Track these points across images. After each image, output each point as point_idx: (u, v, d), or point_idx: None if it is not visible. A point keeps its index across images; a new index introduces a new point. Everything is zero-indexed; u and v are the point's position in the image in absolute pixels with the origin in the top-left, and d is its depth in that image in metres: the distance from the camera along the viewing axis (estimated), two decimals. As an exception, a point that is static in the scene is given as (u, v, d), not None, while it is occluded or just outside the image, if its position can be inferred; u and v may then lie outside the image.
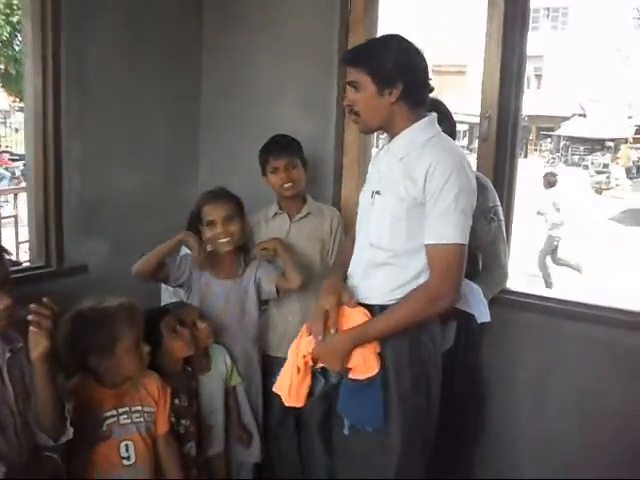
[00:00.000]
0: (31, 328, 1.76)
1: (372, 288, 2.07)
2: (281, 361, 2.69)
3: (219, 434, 2.64)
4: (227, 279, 2.69)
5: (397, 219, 1.98)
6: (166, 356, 2.42)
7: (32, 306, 1.77)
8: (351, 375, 2.05)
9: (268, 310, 2.88)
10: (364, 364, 2.02)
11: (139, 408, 2.23)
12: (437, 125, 2.06)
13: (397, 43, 2.00)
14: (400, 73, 1.95)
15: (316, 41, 3.14)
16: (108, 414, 2.14)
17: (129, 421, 2.19)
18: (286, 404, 2.14)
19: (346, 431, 2.12)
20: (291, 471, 2.99)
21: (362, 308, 2.07)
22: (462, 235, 1.92)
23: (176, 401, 2.38)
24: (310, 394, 2.13)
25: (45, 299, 1.80)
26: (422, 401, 2.07)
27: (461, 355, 2.61)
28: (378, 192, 2.06)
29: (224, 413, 2.66)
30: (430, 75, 2.05)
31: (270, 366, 2.80)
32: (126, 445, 2.16)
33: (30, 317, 1.76)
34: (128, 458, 2.16)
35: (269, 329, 2.87)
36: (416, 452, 2.08)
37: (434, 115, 2.07)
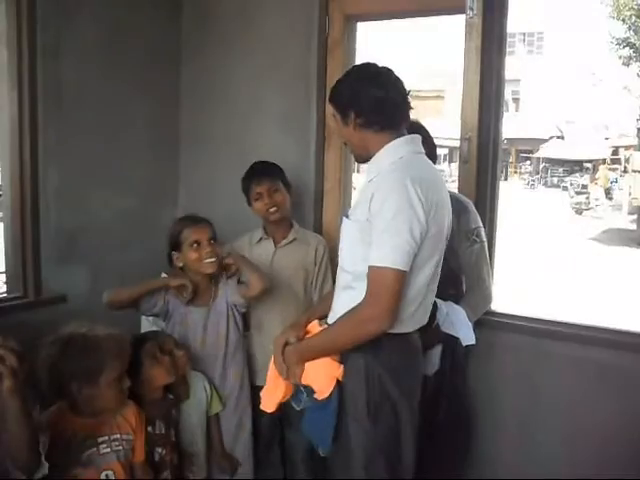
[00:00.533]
0: None
1: (336, 310, 2.07)
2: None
3: (201, 462, 2.59)
4: (203, 306, 2.66)
5: (354, 241, 2.00)
6: (146, 384, 2.38)
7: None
8: (315, 395, 2.08)
9: (250, 338, 2.84)
10: (318, 385, 2.06)
11: (118, 436, 2.19)
12: (413, 145, 2.05)
13: (352, 72, 2.12)
14: (350, 102, 2.02)
15: (295, 64, 3.15)
16: (87, 444, 2.10)
17: (109, 450, 2.15)
18: (261, 407, 2.29)
19: (321, 452, 2.15)
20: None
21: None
22: (395, 259, 1.85)
23: (149, 429, 2.34)
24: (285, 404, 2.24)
25: None
26: (385, 428, 2.01)
27: (447, 379, 2.58)
28: (347, 216, 2.09)
29: (206, 441, 2.62)
30: (400, 97, 2.04)
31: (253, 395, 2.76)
32: (107, 475, 2.13)
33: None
34: None
35: (250, 358, 2.82)
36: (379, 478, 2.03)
37: (411, 136, 2.06)
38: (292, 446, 2.86)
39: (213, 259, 2.59)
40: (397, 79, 2.05)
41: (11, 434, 1.81)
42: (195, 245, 2.58)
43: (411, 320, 2.02)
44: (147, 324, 2.89)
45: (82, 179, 3.06)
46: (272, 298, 2.77)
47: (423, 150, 2.08)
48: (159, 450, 2.38)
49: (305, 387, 2.13)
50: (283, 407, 2.29)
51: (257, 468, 2.83)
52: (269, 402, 2.25)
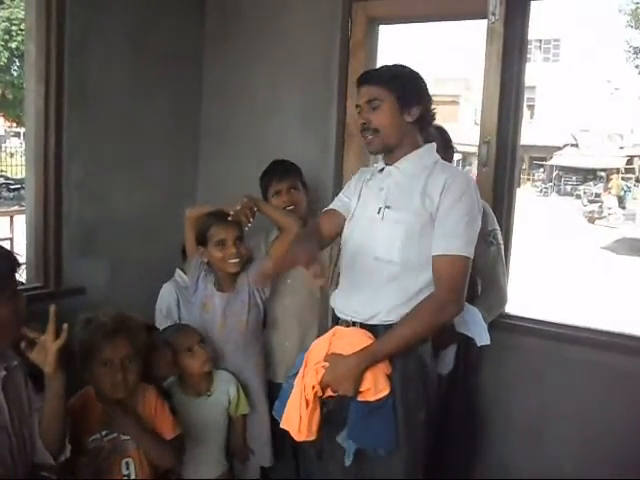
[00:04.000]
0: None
1: (379, 306, 2.07)
2: (279, 387, 2.70)
3: (215, 461, 2.61)
4: (225, 292, 2.69)
5: (411, 233, 2.04)
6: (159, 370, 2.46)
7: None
8: (360, 398, 2.02)
9: (267, 336, 2.86)
10: (375, 386, 2.00)
11: None
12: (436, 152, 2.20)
13: (410, 70, 2.19)
14: (419, 97, 2.12)
15: (317, 64, 3.18)
16: (110, 431, 2.14)
17: (129, 437, 2.18)
18: (297, 439, 2.07)
19: (348, 462, 2.08)
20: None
21: (362, 330, 2.07)
22: (468, 249, 2.01)
23: None
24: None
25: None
26: (422, 420, 2.07)
27: (460, 379, 2.60)
28: (388, 207, 2.09)
29: (223, 441, 2.64)
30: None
31: (269, 391, 2.78)
32: (127, 462, 2.17)
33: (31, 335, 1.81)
34: (129, 475, 2.17)
35: (267, 355, 2.84)
36: (418, 472, 2.09)
37: (434, 144, 2.20)
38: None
39: (237, 260, 2.60)
40: None
41: (48, 416, 1.87)
42: (220, 245, 2.60)
43: None
44: (161, 317, 2.92)
45: (104, 173, 3.11)
46: (288, 297, 2.81)
47: None
48: None
49: (327, 400, 2.08)
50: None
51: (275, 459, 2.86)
52: (308, 430, 2.04)
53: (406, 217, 2.05)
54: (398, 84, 2.10)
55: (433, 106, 2.17)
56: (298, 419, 2.04)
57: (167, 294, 2.94)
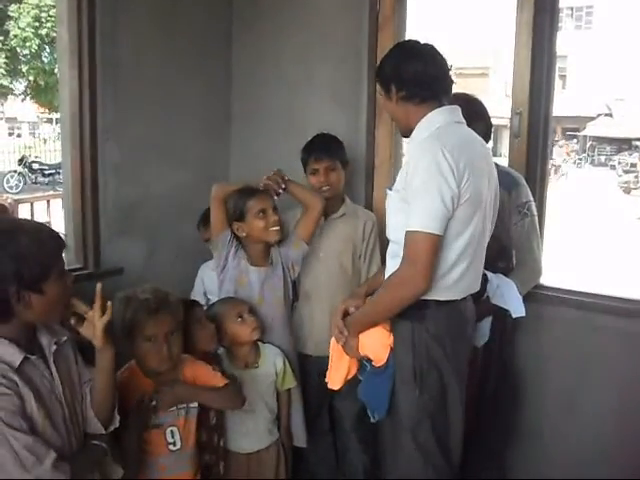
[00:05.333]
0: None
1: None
2: (310, 359, 2.80)
3: (267, 432, 2.66)
4: (261, 267, 2.71)
5: (396, 211, 2.07)
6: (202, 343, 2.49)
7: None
8: (372, 363, 2.18)
9: (298, 309, 2.90)
10: (374, 354, 2.14)
11: None
12: (450, 115, 2.08)
13: (394, 49, 2.18)
14: (391, 76, 2.10)
15: (346, 40, 3.17)
16: (155, 403, 2.19)
17: (174, 408, 2.25)
18: (328, 386, 2.35)
19: (372, 419, 2.21)
20: (326, 468, 3.01)
21: None
22: (427, 223, 1.90)
23: None
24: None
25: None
26: (431, 393, 2.05)
27: (496, 350, 2.61)
28: (390, 188, 2.15)
29: (273, 413, 2.69)
30: (439, 70, 2.09)
31: (299, 364, 2.84)
32: (172, 431, 2.24)
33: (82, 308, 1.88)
34: (174, 443, 2.24)
35: (298, 327, 2.89)
36: (426, 443, 2.07)
37: (449, 107, 2.09)
38: (341, 414, 2.92)
39: (278, 227, 2.65)
40: (437, 53, 2.11)
41: (99, 387, 1.93)
42: (261, 214, 2.62)
43: (457, 286, 2.04)
44: (198, 297, 2.97)
45: (139, 155, 3.15)
46: (320, 270, 2.85)
47: (462, 120, 2.11)
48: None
49: (367, 360, 2.20)
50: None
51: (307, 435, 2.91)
52: (335, 379, 2.32)
53: (393, 196, 2.09)
54: (378, 72, 2.18)
55: (421, 70, 2.04)
56: (329, 369, 2.34)
57: (202, 271, 3.06)
